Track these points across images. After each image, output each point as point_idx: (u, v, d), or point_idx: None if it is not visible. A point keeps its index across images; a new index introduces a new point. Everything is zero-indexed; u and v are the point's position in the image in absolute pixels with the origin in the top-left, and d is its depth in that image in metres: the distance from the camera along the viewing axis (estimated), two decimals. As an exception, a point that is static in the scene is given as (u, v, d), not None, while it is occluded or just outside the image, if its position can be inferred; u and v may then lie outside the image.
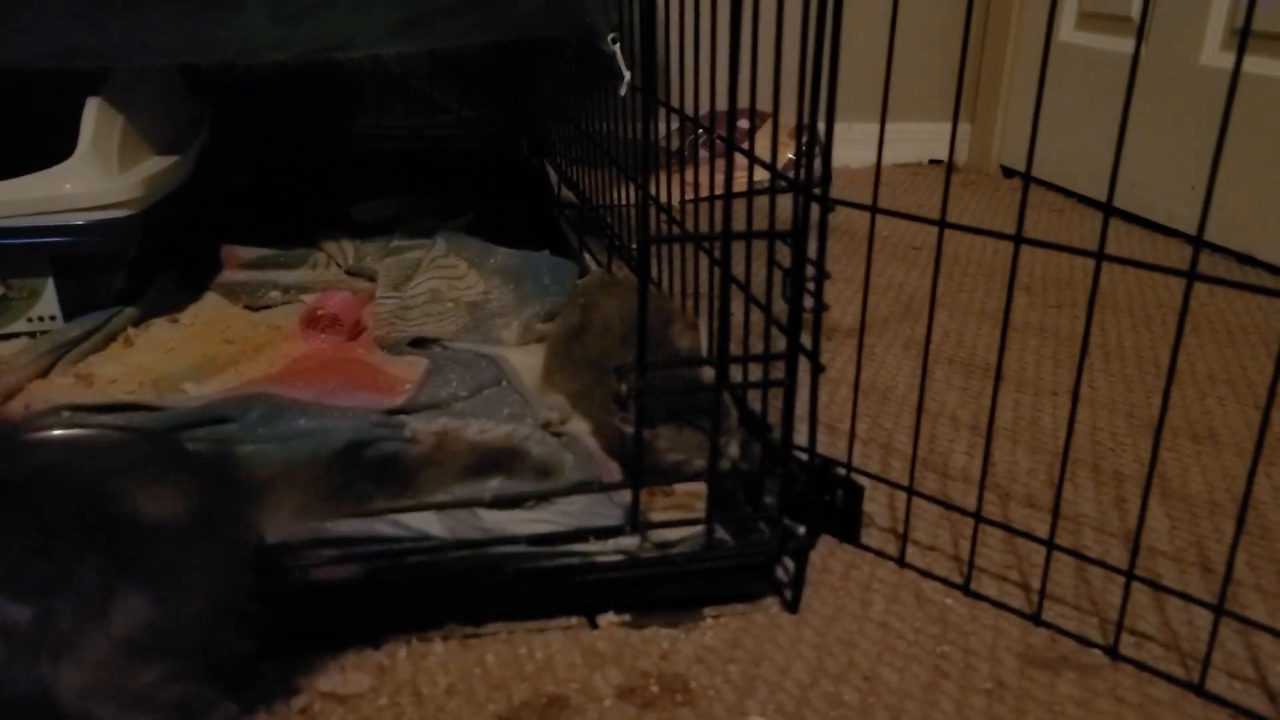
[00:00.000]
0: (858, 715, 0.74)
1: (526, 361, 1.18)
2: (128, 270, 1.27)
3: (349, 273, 1.52)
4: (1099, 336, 1.40)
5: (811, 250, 0.79)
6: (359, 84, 2.04)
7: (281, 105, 1.86)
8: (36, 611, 0.58)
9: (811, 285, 0.77)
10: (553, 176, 2.01)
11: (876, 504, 0.98)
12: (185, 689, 0.63)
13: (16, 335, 1.23)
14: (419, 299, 1.37)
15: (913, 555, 0.92)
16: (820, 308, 0.79)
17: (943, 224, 0.79)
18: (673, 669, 0.78)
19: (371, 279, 1.46)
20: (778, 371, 0.85)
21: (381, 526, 0.82)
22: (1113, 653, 0.80)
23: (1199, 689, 0.76)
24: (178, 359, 1.20)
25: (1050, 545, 0.82)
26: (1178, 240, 1.78)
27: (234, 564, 0.67)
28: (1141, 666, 0.79)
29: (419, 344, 1.25)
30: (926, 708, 0.75)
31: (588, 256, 1.57)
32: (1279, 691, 0.76)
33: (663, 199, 1.24)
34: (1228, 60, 1.62)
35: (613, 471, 0.95)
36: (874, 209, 0.82)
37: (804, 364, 0.83)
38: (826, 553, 0.93)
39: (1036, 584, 0.85)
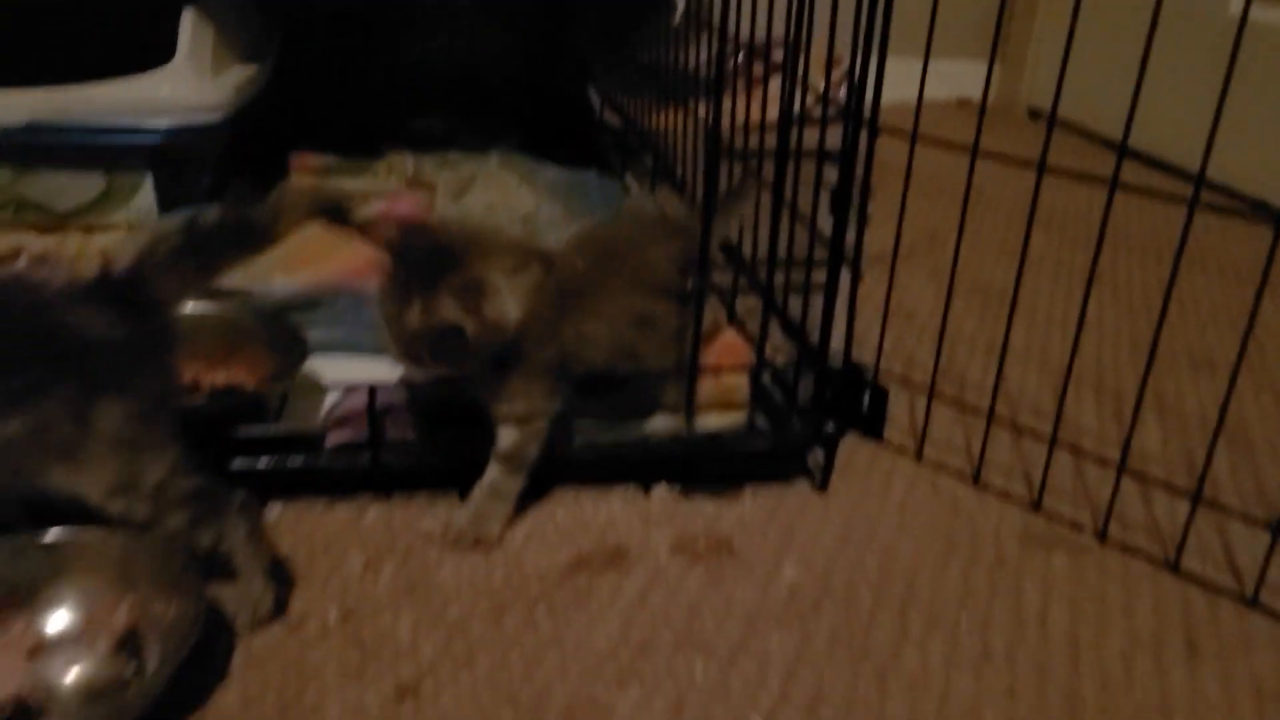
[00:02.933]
0: (877, 577, 0.86)
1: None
2: (214, 171, 1.37)
3: (411, 182, 1.61)
4: (1111, 272, 1.50)
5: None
6: (408, 8, 2.11)
7: (338, 27, 1.94)
8: (26, 422, 0.67)
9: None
10: (595, 101, 2.09)
11: (899, 408, 1.09)
12: (199, 480, 0.74)
13: (114, 227, 1.33)
14: (477, 209, 1.47)
15: (929, 452, 1.03)
16: (864, 221, 0.89)
17: (975, 150, 0.89)
18: (717, 532, 0.90)
19: (430, 189, 1.56)
20: (818, 287, 0.95)
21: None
22: (1102, 536, 0.91)
23: (1174, 567, 0.88)
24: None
25: (1052, 441, 0.93)
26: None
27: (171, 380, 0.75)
28: (1126, 548, 0.90)
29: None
30: (937, 573, 0.87)
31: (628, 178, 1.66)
32: (1244, 569, 0.87)
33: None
34: (1257, 12, 1.68)
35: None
36: (914, 135, 0.91)
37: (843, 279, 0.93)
38: (853, 447, 1.04)
39: (1038, 479, 0.96)
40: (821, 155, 0.90)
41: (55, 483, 0.69)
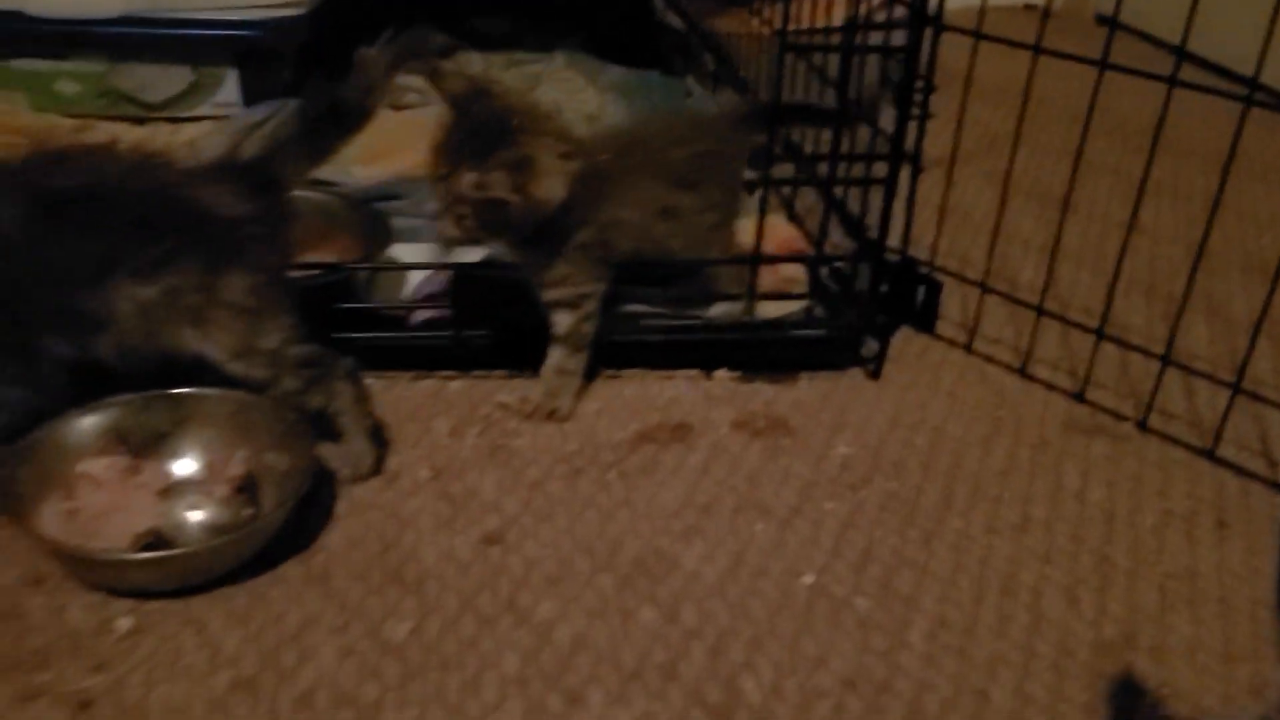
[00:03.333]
0: (926, 454, 0.92)
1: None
2: (293, 66, 1.42)
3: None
4: (1173, 179, 1.50)
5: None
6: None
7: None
8: (161, 288, 0.75)
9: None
10: (656, 2, 2.09)
11: (951, 304, 1.13)
12: (311, 348, 0.82)
13: (200, 118, 1.40)
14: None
15: (979, 345, 1.07)
16: (925, 117, 0.92)
17: (1038, 50, 0.91)
18: (775, 412, 0.96)
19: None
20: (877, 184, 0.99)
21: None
22: (1142, 425, 0.96)
23: (1211, 454, 0.92)
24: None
25: (1099, 336, 0.98)
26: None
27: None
28: (1165, 436, 0.95)
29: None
30: (982, 454, 0.92)
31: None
32: (1279, 457, 0.92)
33: (776, 22, 1.35)
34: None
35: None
36: (977, 34, 0.94)
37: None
38: (906, 339, 1.09)
39: (1083, 372, 1.01)
40: (886, 51, 0.93)
41: (185, 344, 0.77)
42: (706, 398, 0.98)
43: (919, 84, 0.90)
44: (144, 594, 0.71)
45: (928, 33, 0.92)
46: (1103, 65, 0.89)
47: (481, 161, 0.83)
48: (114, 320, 0.75)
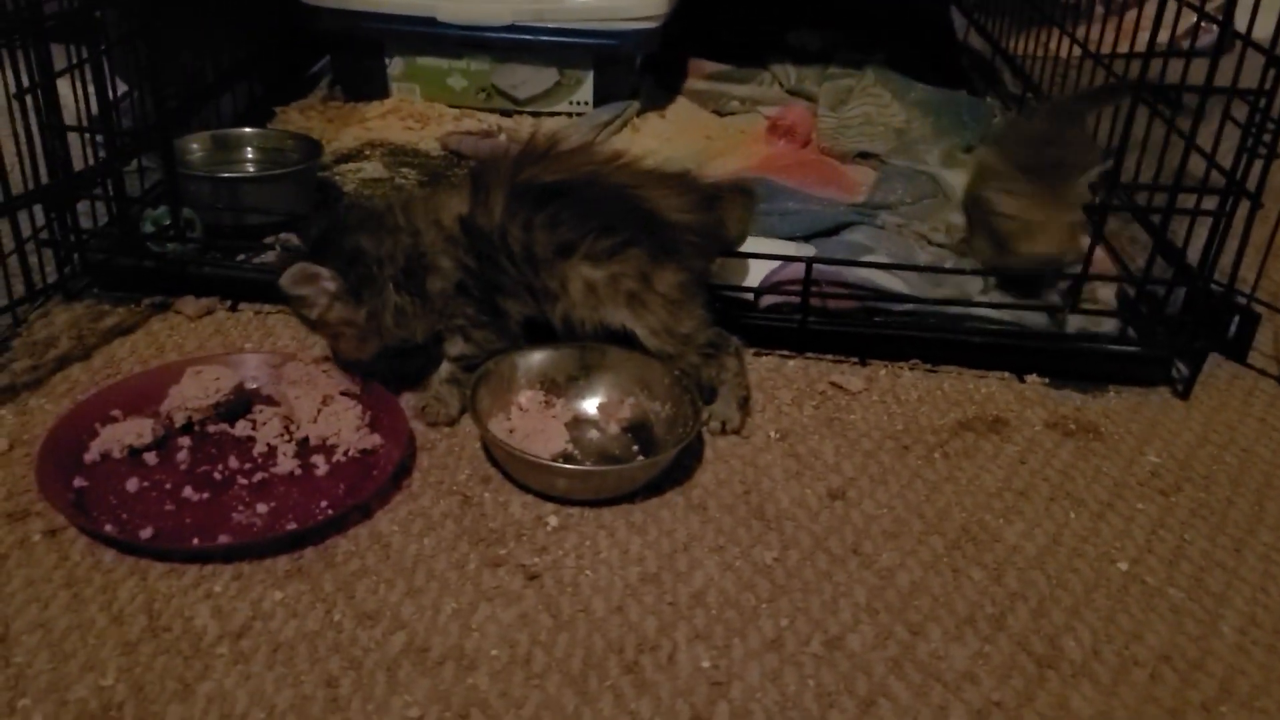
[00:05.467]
0: (1236, 471, 0.98)
1: (954, 180, 1.42)
2: (638, 71, 1.61)
3: (790, 92, 1.80)
4: None
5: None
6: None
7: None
8: (610, 271, 0.92)
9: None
10: (958, 22, 2.17)
11: (1266, 337, 1.17)
12: (714, 331, 0.97)
13: (558, 114, 1.61)
14: (855, 120, 1.63)
15: (1291, 376, 1.11)
16: (1272, 155, 0.98)
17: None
18: (1085, 417, 1.05)
19: (810, 99, 1.73)
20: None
21: (873, 276, 1.12)
22: None
23: None
24: (675, 146, 1.54)
25: None
26: None
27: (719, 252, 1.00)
28: None
29: (862, 156, 1.52)
30: (1292, 477, 0.97)
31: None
32: None
33: (1091, 45, 1.41)
34: None
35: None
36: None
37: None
38: (1216, 365, 1.14)
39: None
40: (1235, 92, 1.00)
41: (618, 319, 0.95)
42: (1019, 398, 1.07)
43: (1265, 126, 0.96)
44: (564, 501, 0.89)
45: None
46: None
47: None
48: (566, 294, 0.94)
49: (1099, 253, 1.22)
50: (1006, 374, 1.11)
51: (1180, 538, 0.90)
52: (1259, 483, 0.96)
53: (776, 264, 1.13)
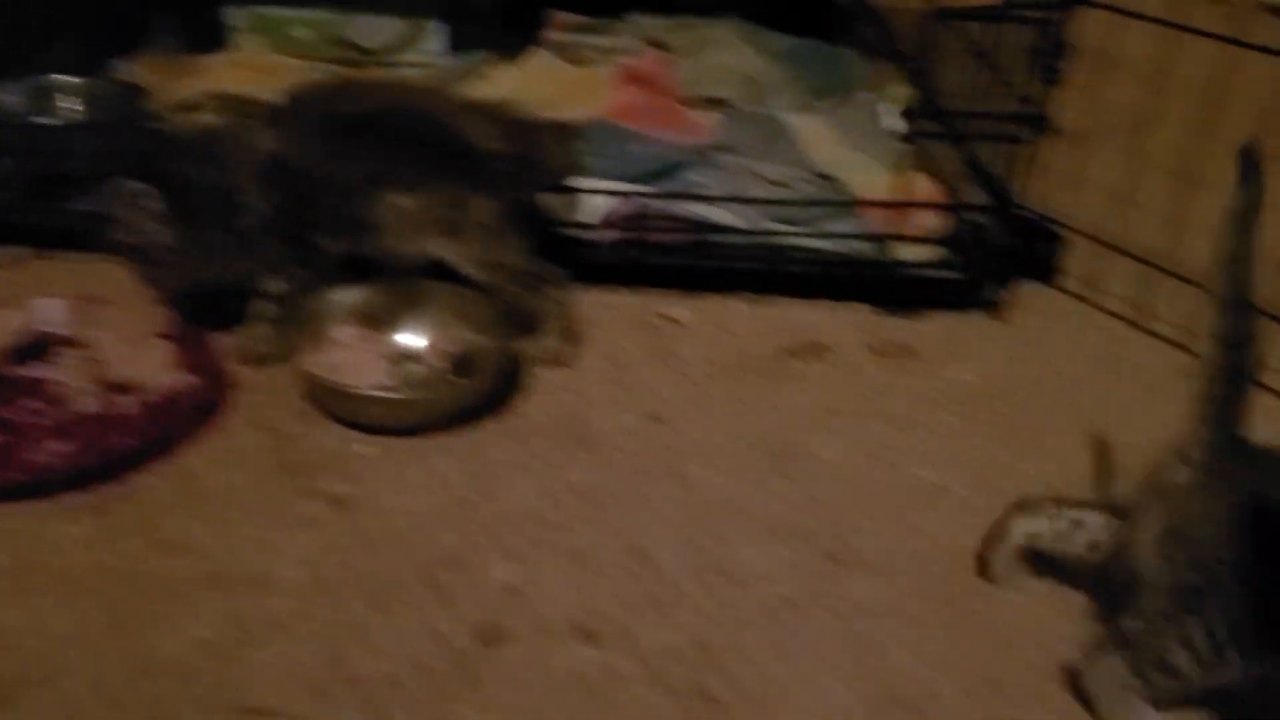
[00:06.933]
0: (1036, 384, 1.03)
1: (804, 123, 1.45)
2: (490, 22, 1.60)
3: (649, 43, 1.80)
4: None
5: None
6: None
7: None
8: (419, 202, 0.92)
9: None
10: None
11: (1080, 262, 1.21)
12: (536, 263, 0.99)
13: (407, 65, 1.59)
14: (711, 68, 1.65)
15: (1100, 300, 1.16)
16: (1053, 79, 1.02)
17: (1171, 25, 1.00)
18: (904, 340, 1.09)
19: (669, 49, 1.74)
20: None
21: (703, 211, 1.14)
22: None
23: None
24: (529, 94, 1.54)
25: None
26: None
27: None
28: (1266, 387, 1.03)
29: (713, 103, 1.54)
30: (1088, 387, 1.03)
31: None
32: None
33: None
34: None
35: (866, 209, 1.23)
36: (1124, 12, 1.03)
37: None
38: (1031, 290, 1.19)
39: (1197, 328, 1.09)
40: (1030, 21, 1.04)
41: (435, 250, 0.95)
42: (843, 324, 1.11)
43: (1057, 52, 1.00)
44: (380, 430, 0.90)
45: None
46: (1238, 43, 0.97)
47: None
48: (380, 225, 0.94)
49: (926, 183, 1.26)
50: (833, 302, 1.15)
51: (977, 445, 0.94)
52: (1055, 393, 1.01)
53: (610, 200, 1.14)
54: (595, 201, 1.16)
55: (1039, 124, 1.07)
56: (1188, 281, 1.11)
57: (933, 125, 1.30)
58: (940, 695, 0.71)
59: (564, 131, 1.11)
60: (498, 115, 0.99)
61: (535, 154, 1.01)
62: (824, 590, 0.78)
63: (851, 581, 0.79)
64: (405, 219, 0.94)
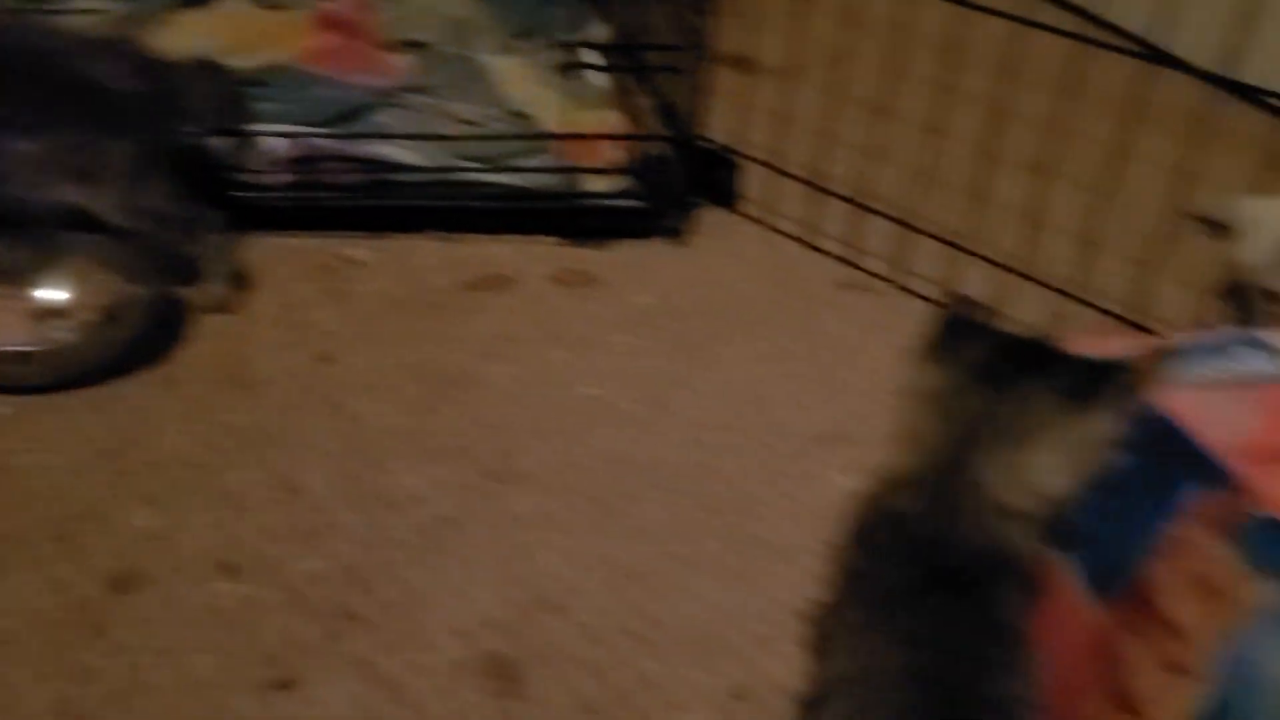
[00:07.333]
0: (711, 302, 1.08)
1: (502, 64, 1.46)
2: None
3: (354, -13, 1.75)
4: (1001, 98, 1.67)
5: None
6: None
7: None
8: (44, 146, 0.87)
9: None
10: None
11: (766, 190, 1.27)
12: (190, 207, 0.95)
13: (81, 11, 1.48)
14: (412, 9, 1.63)
15: (779, 223, 1.23)
16: (703, 10, 1.07)
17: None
18: (588, 268, 1.12)
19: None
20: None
21: (382, 150, 1.13)
22: (892, 283, 1.14)
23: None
24: (213, 39, 1.47)
25: (874, 211, 1.14)
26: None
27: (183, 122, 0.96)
28: (914, 293, 1.13)
29: (412, 45, 1.52)
30: (758, 302, 1.09)
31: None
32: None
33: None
34: None
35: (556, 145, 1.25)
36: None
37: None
38: (716, 217, 1.24)
39: (861, 244, 1.17)
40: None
41: (70, 197, 0.89)
42: (529, 257, 1.13)
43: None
44: (19, 389, 0.85)
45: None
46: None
47: None
48: (6, 173, 0.87)
49: (617, 118, 1.29)
50: (523, 237, 1.16)
51: (649, 362, 0.98)
52: (727, 310, 1.07)
53: (283, 143, 1.11)
54: (269, 144, 1.13)
55: (699, 55, 1.12)
56: (849, 201, 1.19)
57: (623, 61, 1.34)
58: (584, 590, 0.75)
59: (207, 70, 1.07)
60: (126, 52, 0.93)
61: (172, 93, 0.97)
62: (481, 507, 0.80)
63: (510, 497, 0.81)
64: (30, 165, 0.88)
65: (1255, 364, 0.70)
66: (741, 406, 0.94)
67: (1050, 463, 0.55)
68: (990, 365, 0.57)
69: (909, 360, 0.58)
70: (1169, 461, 0.58)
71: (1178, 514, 0.58)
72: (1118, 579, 0.61)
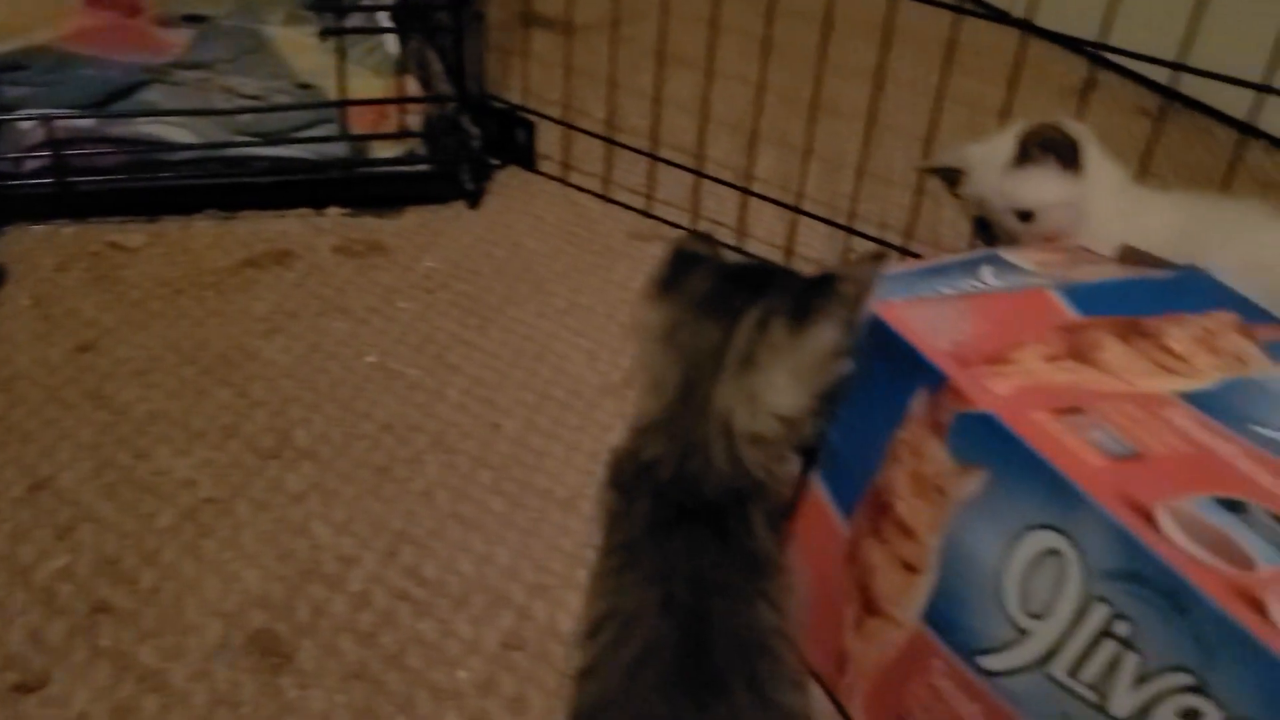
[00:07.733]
0: (501, 262, 1.07)
1: (289, 35, 1.41)
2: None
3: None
4: (793, 41, 1.70)
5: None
6: None
7: None
8: None
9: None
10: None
11: (566, 147, 1.27)
12: None
13: None
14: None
15: (575, 178, 1.23)
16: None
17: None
18: (375, 238, 1.09)
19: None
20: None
21: (147, 128, 1.08)
22: (685, 230, 1.15)
23: (740, 249, 1.12)
24: (-30, 25, 1.37)
25: (665, 161, 1.15)
26: None
27: None
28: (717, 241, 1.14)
29: (193, 20, 1.45)
30: (551, 260, 1.09)
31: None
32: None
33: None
34: None
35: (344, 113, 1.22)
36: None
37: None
38: (512, 176, 1.23)
39: (658, 195, 1.18)
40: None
41: None
42: (314, 230, 1.10)
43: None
44: None
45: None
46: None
47: None
48: None
49: (409, 83, 1.26)
50: (310, 210, 1.13)
51: (434, 326, 0.97)
52: (519, 270, 1.06)
53: (36, 128, 1.05)
54: (23, 130, 1.07)
55: (482, 13, 1.10)
56: (639, 151, 1.20)
57: (412, 24, 1.31)
58: (357, 560, 0.73)
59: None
60: None
61: None
62: (251, 485, 0.78)
63: (284, 473, 0.79)
64: None
65: (986, 279, 0.73)
66: (531, 363, 0.93)
67: (782, 383, 0.56)
68: (714, 294, 0.58)
69: (638, 300, 0.59)
70: (895, 370, 0.61)
71: (904, 419, 0.61)
72: (862, 489, 0.63)
